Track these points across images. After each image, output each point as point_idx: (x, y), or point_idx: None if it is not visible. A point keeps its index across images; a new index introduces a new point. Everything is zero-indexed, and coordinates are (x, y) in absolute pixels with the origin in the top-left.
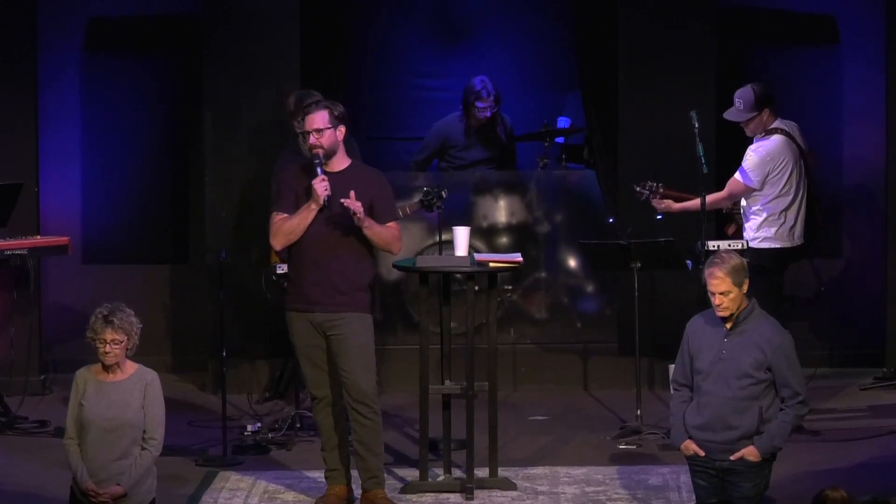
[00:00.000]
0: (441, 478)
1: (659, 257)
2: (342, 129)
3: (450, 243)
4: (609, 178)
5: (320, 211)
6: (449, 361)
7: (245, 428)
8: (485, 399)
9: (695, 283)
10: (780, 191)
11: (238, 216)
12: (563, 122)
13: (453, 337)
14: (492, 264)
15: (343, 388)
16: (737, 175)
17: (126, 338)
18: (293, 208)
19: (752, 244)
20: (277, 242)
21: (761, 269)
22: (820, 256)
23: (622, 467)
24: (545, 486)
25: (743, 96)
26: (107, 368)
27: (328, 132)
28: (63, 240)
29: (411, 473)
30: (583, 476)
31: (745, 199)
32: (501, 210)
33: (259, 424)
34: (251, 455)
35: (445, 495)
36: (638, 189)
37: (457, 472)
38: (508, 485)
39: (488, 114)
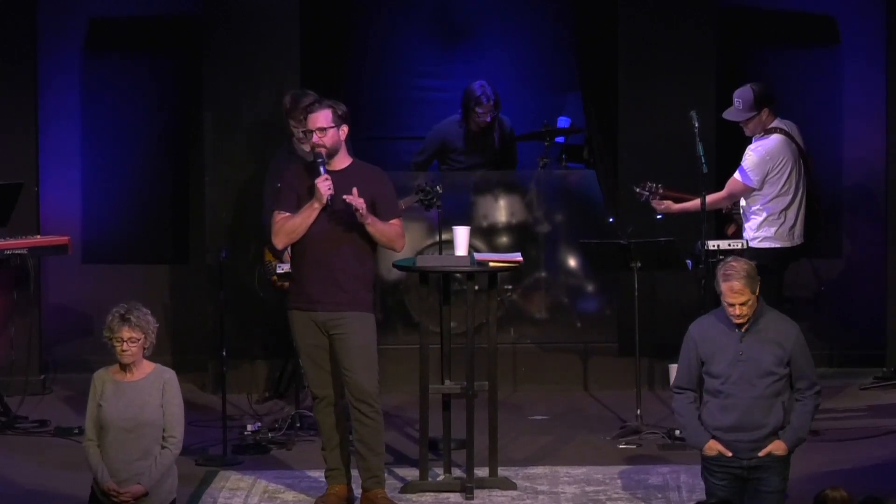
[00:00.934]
0: (441, 477)
1: (659, 257)
2: (345, 129)
3: (450, 243)
4: (609, 178)
5: (323, 210)
6: (449, 361)
7: (245, 427)
8: (485, 399)
9: (695, 284)
10: (780, 190)
11: (238, 216)
12: (563, 122)
13: (453, 337)
14: (492, 264)
15: (345, 388)
16: (736, 175)
17: (143, 336)
18: (295, 207)
19: (751, 244)
20: (279, 241)
21: (761, 268)
22: (820, 256)
23: (622, 467)
24: (545, 485)
25: (742, 96)
26: (124, 368)
27: (331, 131)
28: (63, 239)
29: (411, 473)
30: (583, 476)
31: (745, 199)
32: (501, 210)
33: (259, 424)
34: (251, 454)
35: (445, 495)
36: (637, 190)
37: (457, 472)
38: (508, 484)
39: (488, 119)
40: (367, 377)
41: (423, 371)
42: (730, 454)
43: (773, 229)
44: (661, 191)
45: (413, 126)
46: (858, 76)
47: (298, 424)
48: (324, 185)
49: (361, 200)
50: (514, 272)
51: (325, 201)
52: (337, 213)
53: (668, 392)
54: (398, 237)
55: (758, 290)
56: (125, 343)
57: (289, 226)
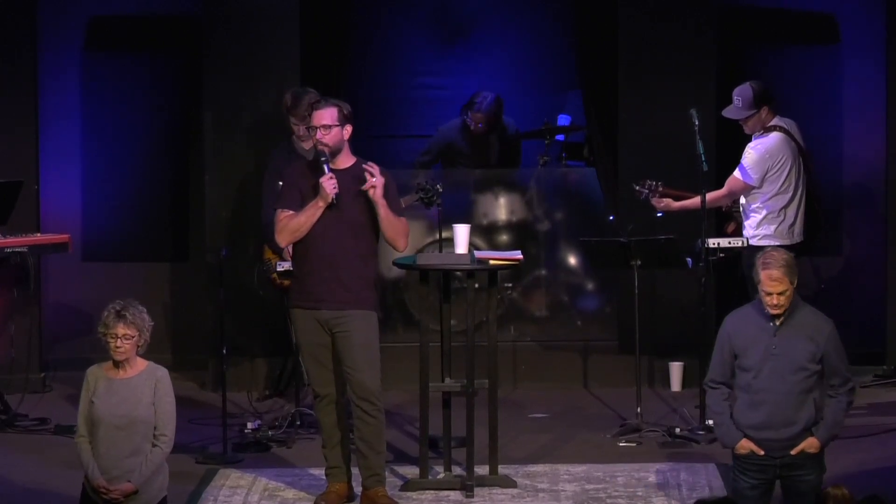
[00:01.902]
0: (441, 475)
1: (659, 255)
2: (349, 128)
3: (450, 241)
4: (609, 176)
5: (328, 208)
6: (449, 359)
7: (245, 425)
8: (485, 397)
9: (695, 282)
10: (780, 188)
11: (238, 215)
12: (563, 120)
13: (453, 335)
14: (492, 262)
15: (347, 386)
16: (736, 173)
17: (137, 334)
18: (298, 205)
19: (751, 242)
20: (283, 239)
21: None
22: (820, 255)
23: (622, 465)
24: (545, 483)
25: (742, 94)
26: (117, 365)
27: (335, 129)
28: (63, 238)
29: (411, 471)
30: (583, 474)
31: (745, 197)
32: (502, 208)
33: (259, 422)
34: (251, 452)
35: (446, 493)
36: (637, 188)
37: (457, 470)
38: (509, 482)
39: (477, 126)
40: (370, 375)
41: (424, 369)
42: (762, 452)
43: (772, 227)
44: (660, 189)
45: (413, 125)
46: (858, 75)
47: (298, 422)
48: (329, 184)
49: (381, 179)
50: (515, 270)
51: (329, 200)
52: (341, 211)
53: (668, 389)
54: (403, 233)
55: (796, 283)
56: (119, 340)
57: (293, 224)
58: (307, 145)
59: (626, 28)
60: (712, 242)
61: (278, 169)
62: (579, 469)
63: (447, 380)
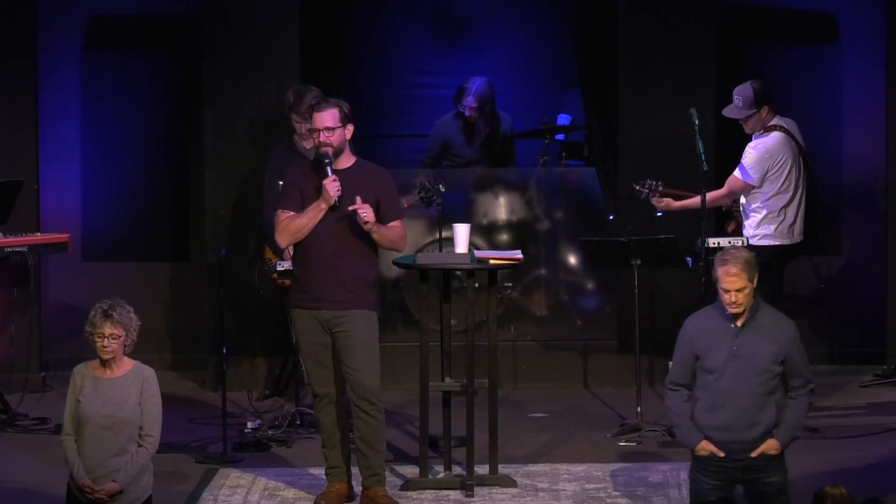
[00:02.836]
0: (441, 475)
1: (659, 254)
2: (350, 128)
3: (450, 240)
4: (609, 176)
5: (330, 209)
6: (449, 359)
7: (245, 425)
8: (485, 396)
9: (695, 281)
10: (780, 188)
11: (238, 214)
12: (563, 120)
13: (453, 334)
14: (492, 261)
15: (347, 385)
16: (736, 172)
17: (124, 333)
18: (299, 206)
19: (751, 241)
20: (283, 240)
21: (761, 266)
22: (820, 254)
23: (622, 464)
24: (545, 483)
25: (742, 93)
26: (104, 364)
27: (338, 130)
28: (63, 237)
29: (411, 471)
30: (583, 473)
31: (745, 197)
32: (502, 207)
33: (259, 421)
34: (251, 452)
35: (445, 492)
36: (637, 188)
37: (457, 470)
38: (508, 482)
39: (466, 112)
40: (370, 375)
41: (424, 368)
42: (722, 454)
43: (772, 227)
44: (661, 188)
45: (413, 124)
46: (858, 74)
47: (298, 422)
48: (332, 186)
49: (371, 214)
50: (515, 269)
51: (332, 202)
52: (341, 211)
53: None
54: (401, 239)
55: (756, 282)
56: (106, 339)
57: (294, 225)
58: (308, 144)
59: (626, 28)
60: (712, 242)
61: (279, 168)
62: (579, 468)
63: (447, 379)
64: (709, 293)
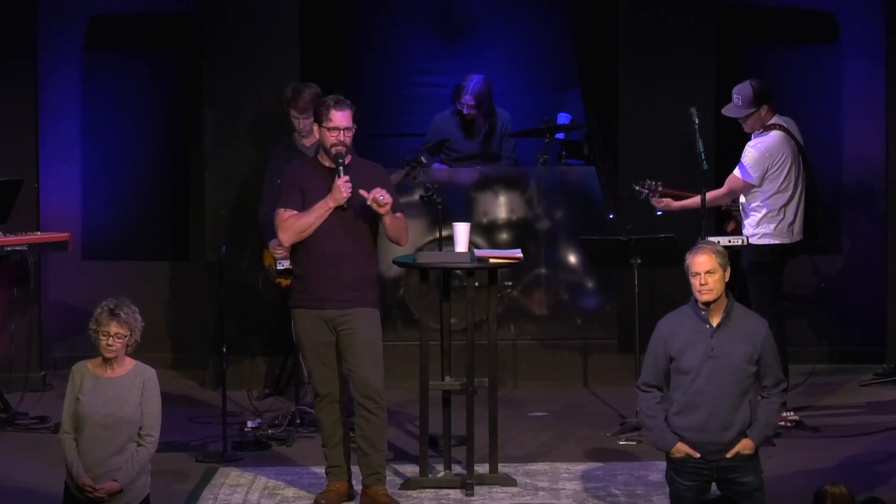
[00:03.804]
0: (441, 474)
1: (659, 254)
2: (355, 127)
3: (450, 239)
4: (609, 175)
5: (336, 209)
6: (449, 358)
7: (245, 424)
8: (485, 395)
9: None
10: (779, 187)
11: (238, 213)
12: (563, 119)
13: (453, 333)
14: (492, 260)
15: (350, 384)
16: (736, 171)
17: (129, 333)
18: (300, 205)
19: (751, 241)
20: (288, 239)
21: (761, 265)
22: (820, 253)
23: (622, 464)
24: (545, 482)
25: (741, 92)
26: (105, 363)
27: (352, 131)
28: (63, 236)
29: (411, 470)
30: (583, 472)
31: (744, 196)
32: (501, 206)
33: (259, 421)
34: (251, 451)
35: (445, 491)
36: (637, 188)
37: (457, 469)
38: (508, 481)
39: (465, 110)
40: (374, 373)
41: (424, 367)
42: (697, 455)
43: (772, 226)
44: (660, 189)
45: (413, 123)
46: (858, 73)
47: (298, 421)
48: (346, 187)
49: (388, 196)
50: (515, 269)
51: (342, 202)
52: (345, 211)
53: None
54: (406, 230)
55: (727, 276)
56: (111, 338)
57: (300, 224)
58: (308, 142)
59: (626, 27)
60: (713, 241)
61: (279, 167)
62: (579, 467)
63: (447, 378)
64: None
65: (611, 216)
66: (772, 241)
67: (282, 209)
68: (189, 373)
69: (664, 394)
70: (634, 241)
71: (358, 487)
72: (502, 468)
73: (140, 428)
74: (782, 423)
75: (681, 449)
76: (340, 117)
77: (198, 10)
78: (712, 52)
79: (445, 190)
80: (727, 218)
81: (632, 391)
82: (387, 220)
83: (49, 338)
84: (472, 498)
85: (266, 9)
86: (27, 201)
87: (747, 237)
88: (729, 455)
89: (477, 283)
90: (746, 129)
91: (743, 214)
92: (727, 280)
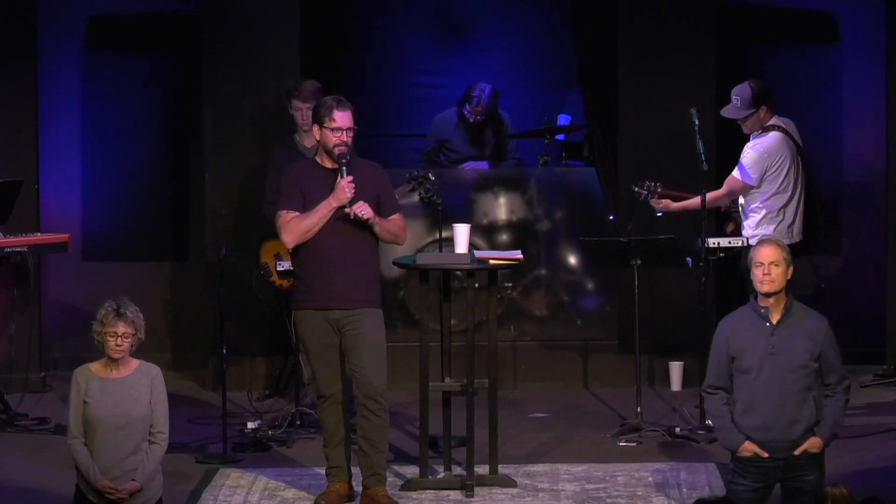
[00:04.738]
0: (441, 475)
1: (659, 254)
2: (356, 128)
3: (450, 240)
4: (609, 176)
5: (339, 209)
6: (449, 358)
7: (245, 425)
8: (485, 396)
9: (695, 281)
10: (779, 188)
11: (238, 213)
12: (563, 120)
13: (453, 334)
14: (492, 261)
15: (353, 384)
16: (735, 172)
17: (136, 331)
18: (301, 206)
19: (751, 241)
20: (291, 240)
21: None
22: (820, 254)
23: (622, 464)
24: (545, 483)
25: (740, 93)
26: (109, 365)
27: (354, 131)
28: (63, 237)
29: (411, 471)
30: (583, 473)
31: (744, 197)
32: (502, 207)
33: (259, 421)
34: (251, 452)
35: (446, 492)
36: (636, 189)
37: (457, 470)
38: (508, 482)
39: (476, 118)
40: (377, 374)
41: (424, 368)
42: (766, 455)
43: (771, 227)
44: (659, 190)
45: (413, 123)
46: (858, 73)
47: (298, 422)
48: (349, 188)
49: (368, 209)
50: (515, 270)
51: (346, 203)
52: (344, 211)
53: (668, 388)
54: (401, 231)
55: (790, 273)
56: (119, 338)
57: (304, 225)
58: (309, 143)
59: (626, 27)
60: (712, 242)
61: (280, 167)
62: (579, 468)
63: (447, 379)
64: (709, 293)
65: (611, 217)
66: None
67: (283, 211)
68: (189, 373)
69: (729, 394)
70: (634, 241)
71: (358, 488)
72: (502, 469)
73: (151, 426)
74: None
75: (748, 448)
76: (343, 117)
77: (198, 10)
78: (712, 53)
79: (445, 191)
80: (727, 219)
81: (631, 392)
82: (376, 229)
83: (49, 339)
84: (472, 499)
85: (266, 9)
86: (27, 202)
87: (747, 238)
88: (797, 452)
89: (477, 284)
90: (745, 130)
91: (742, 216)
92: (789, 278)
